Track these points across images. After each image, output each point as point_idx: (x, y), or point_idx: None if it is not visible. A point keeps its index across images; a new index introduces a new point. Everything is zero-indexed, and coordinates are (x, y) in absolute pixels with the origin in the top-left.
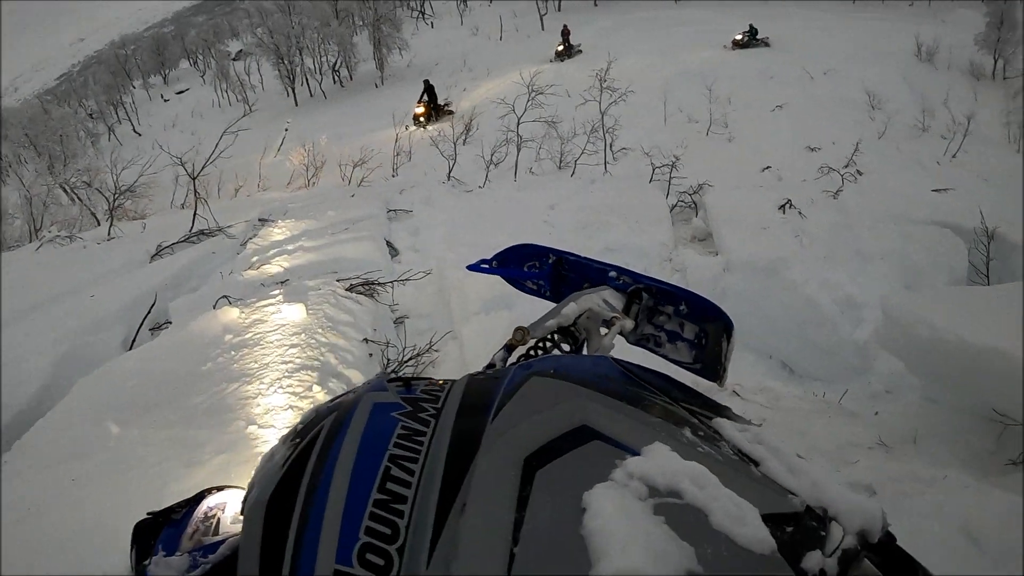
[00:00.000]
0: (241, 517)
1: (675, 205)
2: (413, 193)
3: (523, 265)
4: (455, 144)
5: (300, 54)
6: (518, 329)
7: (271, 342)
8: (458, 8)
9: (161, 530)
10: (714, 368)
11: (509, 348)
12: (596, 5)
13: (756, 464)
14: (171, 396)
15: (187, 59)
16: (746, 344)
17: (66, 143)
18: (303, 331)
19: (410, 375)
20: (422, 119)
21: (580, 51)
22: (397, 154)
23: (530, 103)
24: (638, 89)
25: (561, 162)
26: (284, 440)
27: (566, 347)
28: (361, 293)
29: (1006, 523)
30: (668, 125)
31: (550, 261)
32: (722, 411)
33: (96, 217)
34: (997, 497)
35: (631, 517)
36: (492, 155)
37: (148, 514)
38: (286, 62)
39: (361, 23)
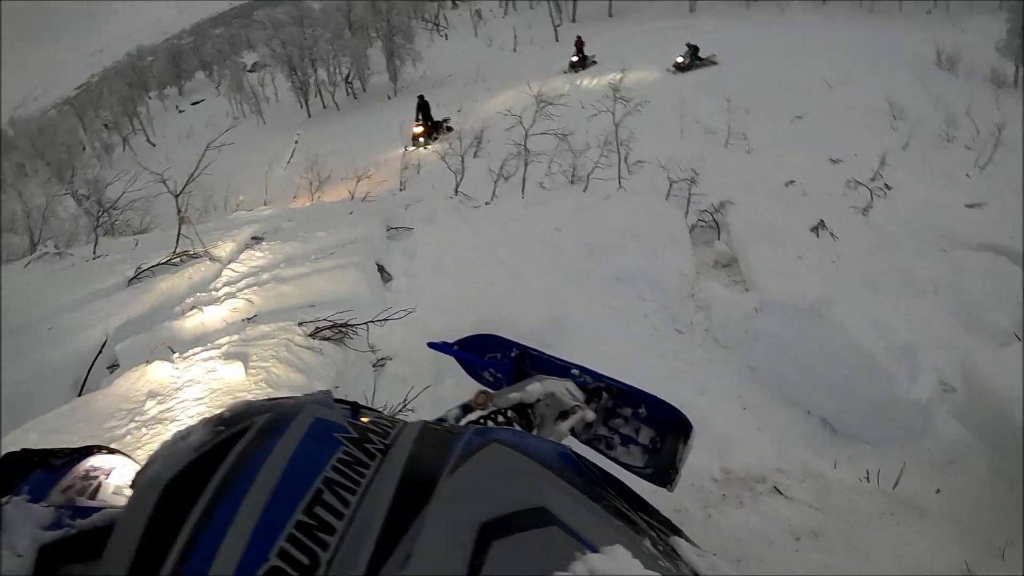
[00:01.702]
0: (129, 490)
1: (695, 225)
2: (418, 209)
3: (484, 354)
4: (462, 157)
5: (313, 65)
6: (481, 392)
7: (192, 416)
8: (472, 20)
9: (32, 471)
10: (666, 473)
11: (466, 408)
12: (611, 16)
13: None
14: None
15: (203, 70)
16: (784, 396)
17: (73, 154)
18: (233, 400)
19: (359, 403)
20: (421, 139)
21: (595, 62)
22: (405, 168)
23: (539, 115)
24: (653, 99)
25: (574, 176)
26: (205, 423)
27: (517, 426)
28: (328, 339)
29: None
30: (685, 136)
31: (512, 355)
32: (678, 531)
33: (94, 236)
34: None
35: None
36: (501, 169)
37: (23, 450)
38: (299, 74)
39: (375, 35)
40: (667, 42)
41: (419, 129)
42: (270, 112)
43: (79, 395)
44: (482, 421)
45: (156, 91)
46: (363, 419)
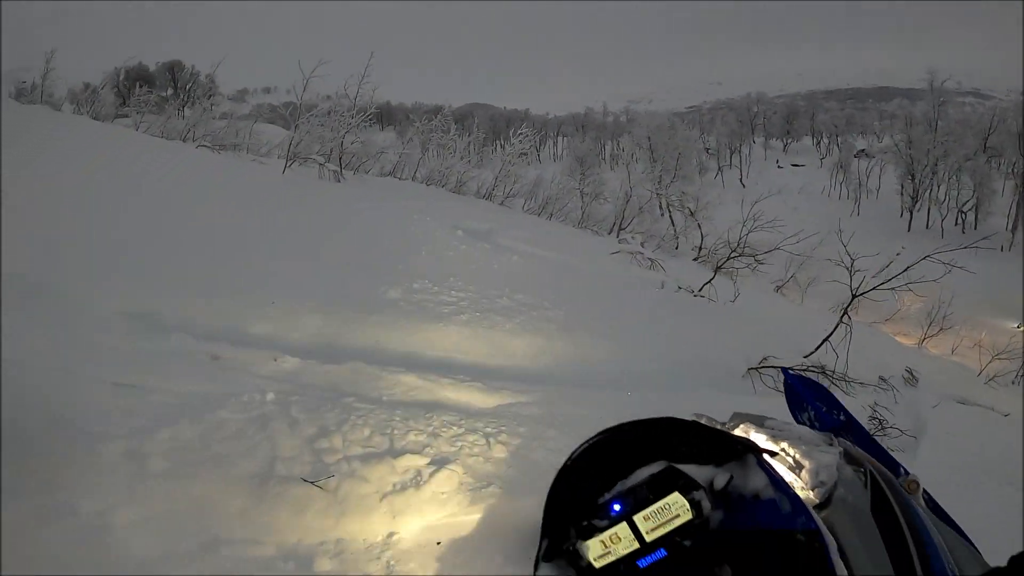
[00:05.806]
0: None
1: None
2: None
3: (815, 399)
4: None
5: (933, 177)
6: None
7: None
8: None
9: None
10: None
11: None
12: None
13: None
14: None
15: (811, 137)
16: None
17: (681, 162)
18: None
19: None
20: None
21: None
22: None
23: None
24: None
25: None
26: None
27: None
28: None
29: None
30: None
31: (840, 418)
32: None
33: (676, 242)
34: None
35: None
36: None
37: None
38: (915, 180)
39: (1009, 169)
40: None
41: None
42: (866, 205)
43: None
44: None
45: (762, 138)
46: None
